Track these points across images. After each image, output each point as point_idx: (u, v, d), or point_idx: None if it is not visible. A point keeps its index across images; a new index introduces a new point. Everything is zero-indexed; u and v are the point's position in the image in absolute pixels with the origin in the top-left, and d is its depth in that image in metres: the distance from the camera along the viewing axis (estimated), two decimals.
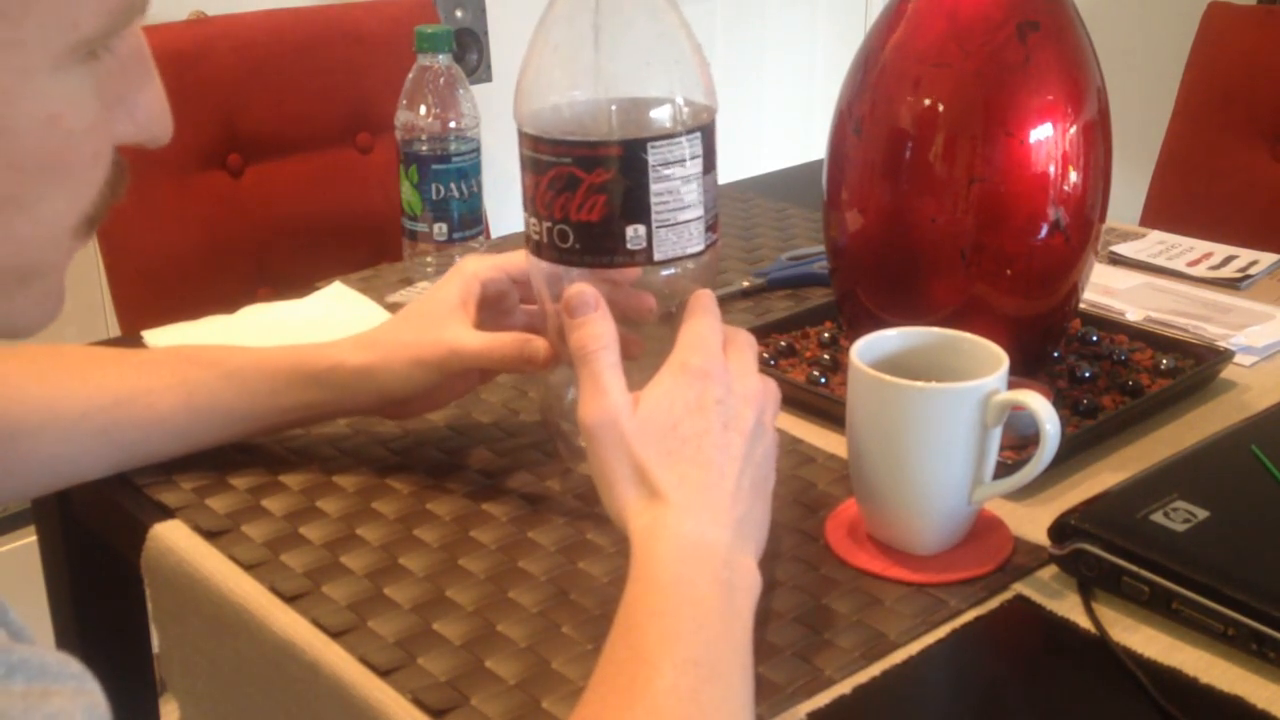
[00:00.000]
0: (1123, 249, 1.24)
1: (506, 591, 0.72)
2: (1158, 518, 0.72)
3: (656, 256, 0.74)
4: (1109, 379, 0.95)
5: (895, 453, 0.73)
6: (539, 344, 0.79)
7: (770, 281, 1.18)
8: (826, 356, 0.99)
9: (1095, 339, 1.00)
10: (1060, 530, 0.73)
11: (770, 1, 2.73)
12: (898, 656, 0.67)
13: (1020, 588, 0.73)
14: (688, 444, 0.65)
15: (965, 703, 0.67)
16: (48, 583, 1.02)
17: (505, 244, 1.31)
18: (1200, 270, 1.20)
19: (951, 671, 0.68)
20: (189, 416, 0.83)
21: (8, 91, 0.45)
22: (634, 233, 0.73)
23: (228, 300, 1.14)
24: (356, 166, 1.62)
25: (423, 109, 1.18)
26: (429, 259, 1.21)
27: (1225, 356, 0.97)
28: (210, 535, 0.78)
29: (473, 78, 2.21)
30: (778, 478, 0.71)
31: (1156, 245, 1.26)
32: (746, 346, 0.71)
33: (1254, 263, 1.21)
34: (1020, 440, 0.82)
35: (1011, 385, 0.73)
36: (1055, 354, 0.98)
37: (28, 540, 1.77)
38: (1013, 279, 0.88)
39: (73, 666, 0.40)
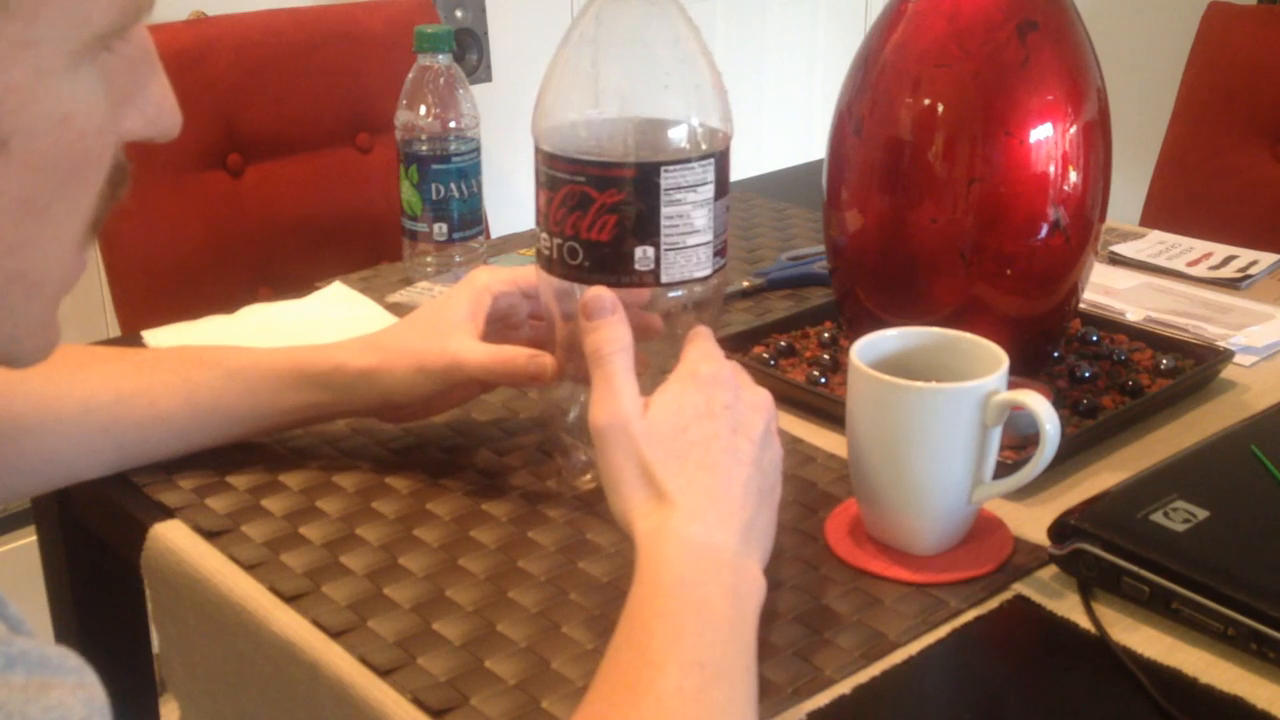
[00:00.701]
0: (1123, 249, 1.24)
1: (506, 591, 0.72)
2: (1158, 518, 0.72)
3: (664, 279, 0.75)
4: (1109, 379, 0.95)
5: (895, 453, 0.73)
6: (546, 360, 0.79)
7: (770, 281, 1.18)
8: (826, 356, 0.99)
9: (1095, 339, 1.00)
10: (1060, 530, 0.73)
11: (770, 1, 2.73)
12: (898, 656, 0.67)
13: (1020, 588, 0.73)
14: (696, 448, 0.65)
15: (965, 703, 0.67)
16: (47, 582, 1.02)
17: (505, 244, 1.31)
18: (1200, 270, 1.20)
19: (951, 671, 0.68)
20: (190, 416, 0.83)
21: (23, 92, 0.44)
22: (643, 254, 0.74)
23: (228, 300, 1.14)
24: (356, 166, 1.62)
25: (423, 109, 1.18)
26: (429, 259, 1.21)
27: (1225, 356, 0.97)
28: (210, 535, 0.78)
29: (473, 78, 2.21)
30: None
31: (1156, 245, 1.26)
32: (741, 368, 0.72)
33: (1254, 263, 1.21)
34: (1020, 440, 0.82)
35: (1011, 385, 0.73)
36: (1055, 354, 0.98)
37: (28, 540, 1.77)
38: (1013, 279, 0.88)
39: (72, 660, 0.40)
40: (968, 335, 0.76)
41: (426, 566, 0.75)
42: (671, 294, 0.76)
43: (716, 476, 0.65)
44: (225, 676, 0.76)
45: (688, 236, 0.75)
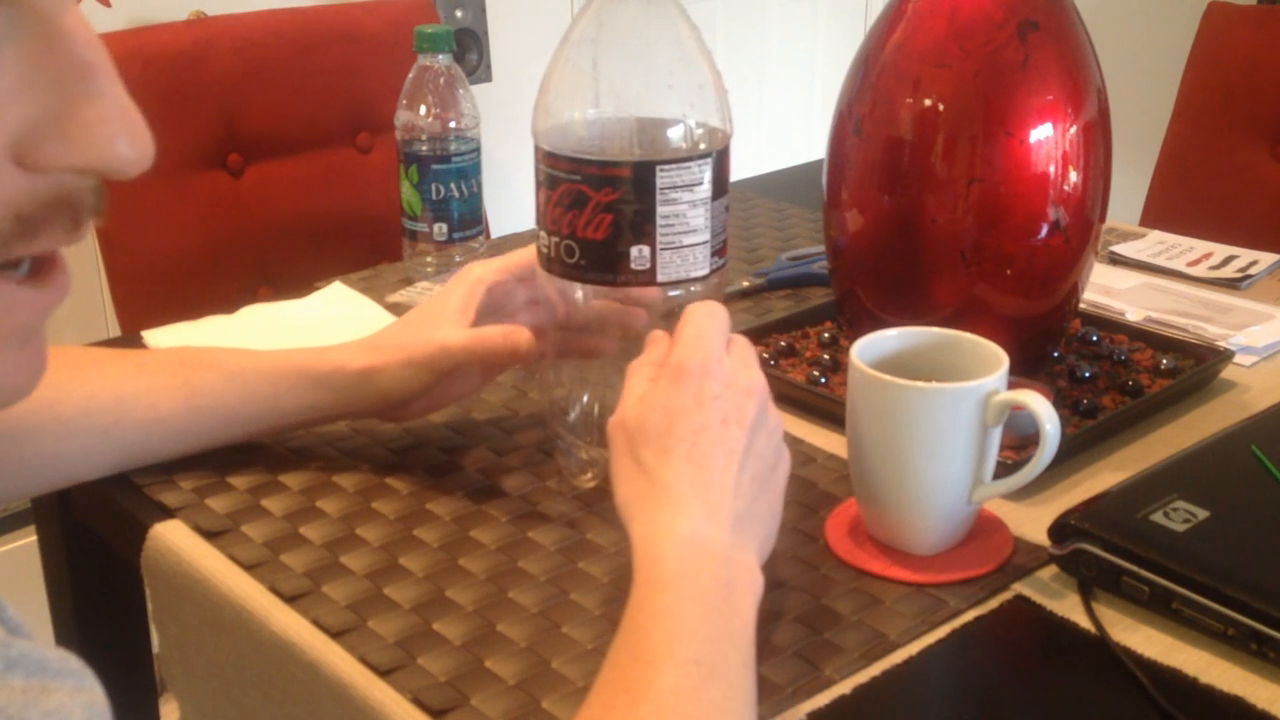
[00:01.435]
0: (1123, 249, 1.24)
1: (506, 591, 0.72)
2: (1158, 518, 0.72)
3: (659, 278, 0.75)
4: (1109, 379, 0.95)
5: (895, 453, 0.73)
6: (523, 334, 0.80)
7: (770, 281, 1.18)
8: (826, 356, 0.99)
9: (1095, 339, 1.00)
10: (1060, 530, 0.73)
11: (770, 1, 2.73)
12: (898, 656, 0.67)
13: (1020, 588, 0.73)
14: (683, 441, 0.65)
15: (965, 703, 0.67)
16: (48, 583, 1.02)
17: (505, 244, 1.31)
18: (1200, 270, 1.20)
19: (951, 671, 0.68)
20: (191, 417, 0.83)
21: None
22: (638, 253, 0.74)
23: (228, 300, 1.14)
24: (356, 166, 1.62)
25: (423, 109, 1.18)
26: (429, 259, 1.21)
27: (1225, 356, 0.97)
28: (210, 535, 0.78)
29: (473, 78, 2.21)
30: None
31: (1156, 245, 1.26)
32: (747, 344, 0.72)
33: (1254, 263, 1.21)
34: (1020, 440, 0.82)
35: (1011, 385, 0.73)
36: (1055, 354, 0.98)
37: (28, 540, 1.77)
38: (1013, 279, 0.88)
39: (72, 663, 0.40)
40: (968, 335, 0.76)
41: (426, 566, 0.75)
42: (670, 293, 0.76)
43: (704, 470, 0.65)
44: (225, 676, 0.76)
45: (684, 236, 0.75)
